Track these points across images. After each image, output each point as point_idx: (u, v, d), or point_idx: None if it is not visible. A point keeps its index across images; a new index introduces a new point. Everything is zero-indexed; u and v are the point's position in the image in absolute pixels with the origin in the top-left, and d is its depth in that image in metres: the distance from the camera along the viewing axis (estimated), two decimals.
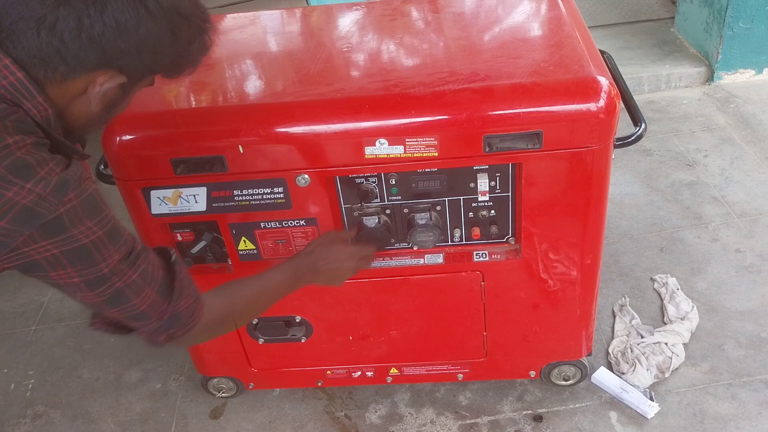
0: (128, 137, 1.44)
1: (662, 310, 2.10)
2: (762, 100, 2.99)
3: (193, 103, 1.52)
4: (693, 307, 2.07)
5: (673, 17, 3.50)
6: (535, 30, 1.62)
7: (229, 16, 1.90)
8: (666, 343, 1.94)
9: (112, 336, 1.18)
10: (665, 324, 2.05)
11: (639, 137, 1.54)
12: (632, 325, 2.04)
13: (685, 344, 1.96)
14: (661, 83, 3.16)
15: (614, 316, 2.09)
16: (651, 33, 3.48)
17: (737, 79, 3.13)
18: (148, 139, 1.45)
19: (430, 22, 1.73)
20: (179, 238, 1.63)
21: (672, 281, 2.17)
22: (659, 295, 2.15)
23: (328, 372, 1.89)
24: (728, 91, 3.10)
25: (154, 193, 1.52)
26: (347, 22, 1.78)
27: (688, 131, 2.88)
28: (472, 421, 1.87)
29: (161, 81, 1.56)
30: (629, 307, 2.11)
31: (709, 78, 3.15)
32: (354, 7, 1.85)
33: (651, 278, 2.22)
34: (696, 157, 2.73)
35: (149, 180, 1.50)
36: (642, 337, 2.00)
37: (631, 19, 3.59)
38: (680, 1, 3.36)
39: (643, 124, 1.55)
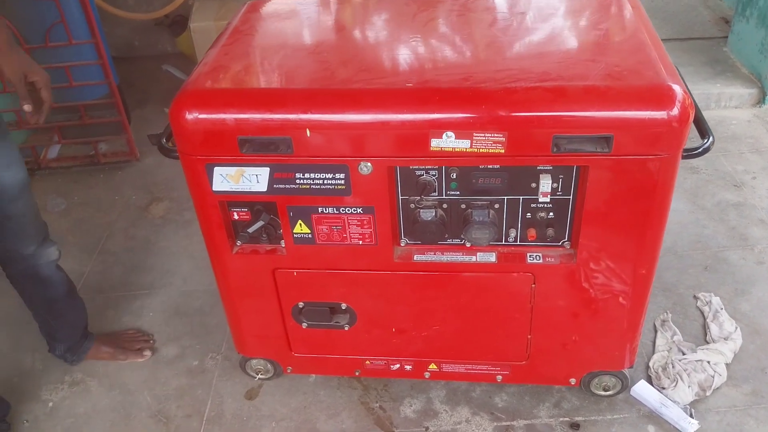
0: (198, 113, 1.46)
1: (705, 328, 2.08)
2: None
3: (264, 83, 1.53)
4: (736, 328, 2.04)
5: (726, 37, 3.46)
6: (607, 34, 1.61)
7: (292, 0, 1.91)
8: (708, 362, 1.92)
9: None
10: (707, 342, 2.02)
11: (706, 150, 1.52)
12: (674, 341, 2.02)
13: (727, 364, 1.94)
14: (711, 102, 3.13)
15: (656, 331, 2.07)
16: (702, 51, 3.44)
17: None
18: (217, 116, 1.46)
19: (497, 20, 1.73)
20: (235, 217, 1.64)
21: (716, 300, 2.14)
22: (702, 313, 2.13)
23: (367, 362, 1.89)
24: None
25: (217, 170, 1.53)
26: (416, 13, 1.78)
27: (737, 152, 2.85)
28: (508, 423, 1.86)
29: (230, 61, 1.61)
30: (671, 323, 2.09)
31: (761, 100, 3.11)
32: (420, 3, 1.86)
33: (694, 296, 2.19)
34: (744, 179, 2.70)
35: (214, 157, 1.51)
36: (683, 353, 1.97)
37: (683, 35, 3.56)
38: (735, 21, 3.32)
39: (711, 137, 1.54)
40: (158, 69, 3.76)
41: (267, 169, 1.52)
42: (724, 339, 2.00)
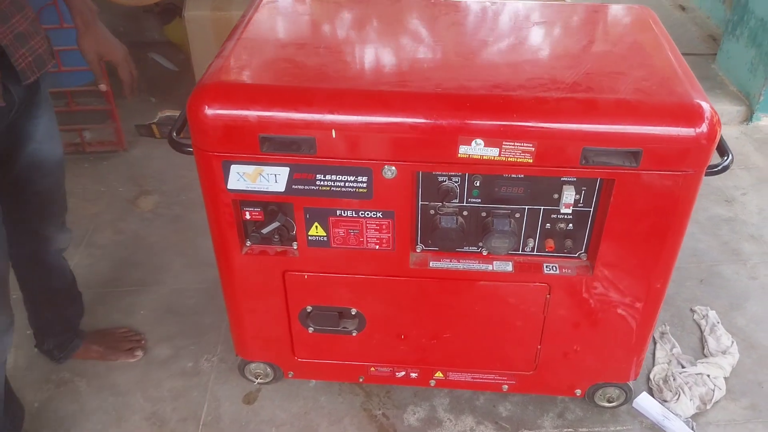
0: (219, 108, 1.41)
1: (702, 341, 2.10)
2: None
3: (288, 80, 1.48)
4: (733, 342, 2.07)
5: (714, 54, 3.53)
6: (633, 48, 1.60)
7: None
8: (708, 375, 1.94)
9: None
10: (705, 356, 2.05)
11: (726, 168, 1.53)
12: (673, 354, 2.04)
13: (726, 378, 1.96)
14: None
15: (655, 343, 2.09)
16: (691, 67, 3.48)
17: None
18: (239, 113, 1.41)
19: (523, 29, 1.72)
20: (247, 217, 1.60)
21: (712, 314, 2.17)
22: (699, 326, 2.16)
23: (372, 369, 1.86)
24: (766, 132, 3.13)
25: (234, 168, 1.48)
26: (443, 16, 1.76)
27: None
28: None
29: (251, 54, 1.56)
30: (670, 335, 2.11)
31: (748, 118, 3.18)
32: (451, 7, 1.83)
33: (691, 309, 2.22)
34: (734, 194, 2.75)
35: (231, 154, 1.46)
36: (683, 366, 1.99)
37: None
38: (725, 39, 3.39)
39: (730, 155, 1.55)
40: (144, 57, 3.67)
41: (287, 169, 1.48)
42: (722, 353, 2.03)
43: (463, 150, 1.40)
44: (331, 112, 1.39)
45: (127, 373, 2.02)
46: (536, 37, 1.67)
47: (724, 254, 2.45)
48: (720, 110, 3.13)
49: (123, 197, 2.75)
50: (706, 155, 1.40)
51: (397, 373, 1.86)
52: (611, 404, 1.88)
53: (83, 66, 2.82)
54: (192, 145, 1.51)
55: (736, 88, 3.29)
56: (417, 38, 1.65)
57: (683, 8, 4.12)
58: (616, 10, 1.80)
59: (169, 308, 2.24)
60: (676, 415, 1.86)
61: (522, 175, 1.47)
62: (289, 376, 1.91)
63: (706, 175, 1.48)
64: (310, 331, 1.77)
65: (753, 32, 3.12)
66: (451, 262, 1.63)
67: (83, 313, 2.01)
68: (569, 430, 1.85)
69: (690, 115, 1.37)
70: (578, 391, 1.85)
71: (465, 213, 1.56)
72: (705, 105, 1.39)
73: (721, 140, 1.58)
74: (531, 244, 1.60)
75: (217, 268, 1.70)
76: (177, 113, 3.10)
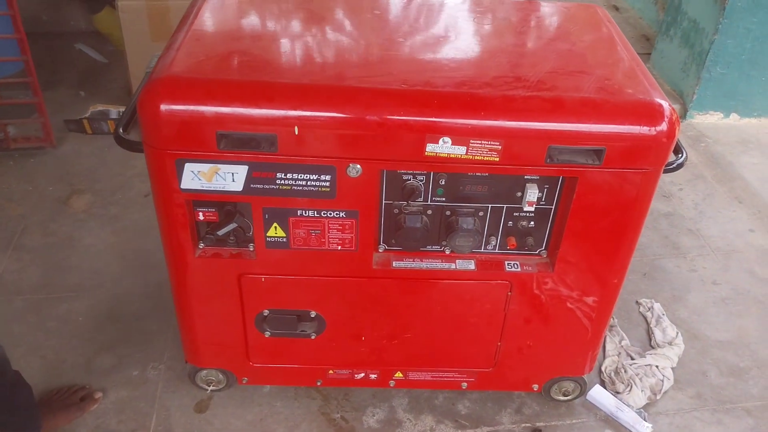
0: (174, 104, 1.33)
1: (648, 333, 2.16)
2: (729, 143, 3.16)
3: (247, 74, 1.41)
4: (678, 333, 2.14)
5: (649, 53, 3.65)
6: (591, 46, 1.62)
7: None
8: (657, 366, 2.00)
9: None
10: (652, 347, 2.11)
11: (680, 165, 1.57)
12: (622, 346, 2.09)
13: (673, 368, 2.02)
14: None
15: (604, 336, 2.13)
16: None
17: (706, 120, 3.30)
18: (195, 108, 1.33)
19: (484, 25, 1.70)
20: (201, 218, 1.52)
21: (657, 306, 2.24)
22: (645, 318, 2.22)
23: (331, 372, 1.81)
24: (699, 130, 3.26)
25: (188, 167, 1.41)
26: (408, 12, 1.72)
27: None
28: (472, 431, 1.84)
29: (205, 46, 1.48)
30: (618, 328, 2.16)
31: (682, 116, 3.30)
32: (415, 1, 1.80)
33: (636, 301, 2.28)
34: (671, 190, 2.85)
35: (186, 152, 1.38)
36: (632, 358, 2.04)
37: None
38: (659, 40, 3.50)
39: (684, 153, 1.59)
40: (70, 48, 3.47)
41: (245, 168, 1.41)
42: (668, 344, 2.09)
43: (431, 148, 1.38)
44: (294, 108, 1.34)
45: (66, 384, 1.90)
46: (497, 34, 1.66)
47: (665, 248, 2.53)
48: None
49: (53, 197, 2.58)
50: (665, 153, 1.43)
51: (356, 375, 1.82)
52: (567, 398, 1.91)
53: (6, 56, 2.67)
54: (143, 142, 1.42)
55: (670, 87, 3.41)
56: (383, 31, 1.62)
57: (617, 8, 4.24)
58: (569, 8, 1.82)
59: (109, 314, 2.12)
60: (629, 406, 1.90)
61: (486, 174, 1.46)
62: (243, 382, 1.84)
63: (663, 173, 1.51)
64: (266, 336, 1.71)
65: (686, 33, 3.24)
66: (414, 261, 1.61)
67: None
68: (527, 424, 1.87)
69: (651, 113, 1.40)
70: (536, 386, 1.87)
71: (429, 212, 1.54)
72: (665, 104, 1.42)
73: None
74: (493, 242, 1.60)
75: (160, 271, 1.62)
76: (110, 108, 2.95)
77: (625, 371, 1.98)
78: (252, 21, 1.62)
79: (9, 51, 2.62)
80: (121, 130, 1.50)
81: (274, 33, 1.56)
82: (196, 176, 1.42)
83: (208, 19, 1.60)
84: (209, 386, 1.87)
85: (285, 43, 1.52)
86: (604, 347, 2.10)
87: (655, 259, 2.47)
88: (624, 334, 2.13)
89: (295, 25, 1.60)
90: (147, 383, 1.92)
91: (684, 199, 2.79)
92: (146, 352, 2.00)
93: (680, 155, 1.59)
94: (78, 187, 2.64)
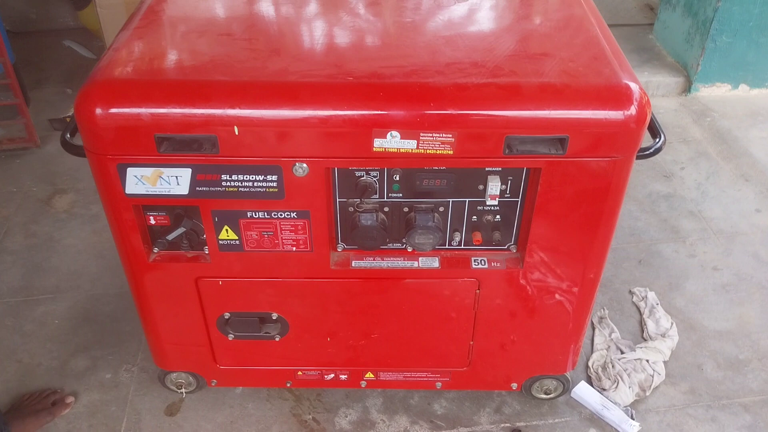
0: (108, 108, 1.27)
1: (641, 324, 2.07)
2: (737, 116, 3.00)
3: (185, 73, 1.34)
4: (672, 324, 2.04)
5: (652, 24, 3.49)
6: (559, 26, 1.51)
7: None
8: (647, 360, 1.90)
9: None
10: (644, 339, 2.01)
11: (658, 150, 1.46)
12: (612, 339, 2.00)
13: (665, 362, 1.93)
14: None
15: (593, 329, 2.04)
16: (628, 38, 3.45)
17: (713, 93, 3.14)
18: (131, 111, 1.27)
19: (445, 7, 1.61)
20: (152, 222, 1.47)
21: (651, 295, 2.13)
22: (638, 308, 2.12)
23: (300, 373, 1.76)
24: (704, 104, 3.11)
25: (131, 171, 1.35)
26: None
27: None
28: (448, 431, 1.78)
29: (146, 46, 1.41)
30: (609, 320, 2.06)
31: (687, 89, 3.15)
32: None
33: (630, 291, 2.18)
34: (673, 169, 2.72)
35: (127, 156, 1.33)
36: (622, 352, 1.95)
37: (609, 22, 3.53)
38: (661, 9, 3.34)
39: (662, 136, 1.48)
40: (58, 45, 3.44)
41: (188, 171, 1.35)
42: (662, 336, 1.99)
43: (378, 143, 1.30)
44: (232, 107, 1.26)
45: (40, 388, 1.88)
46: (458, 16, 1.56)
47: (663, 232, 2.41)
48: (658, 82, 3.11)
49: (36, 197, 2.56)
50: (635, 139, 1.32)
51: (325, 376, 1.76)
52: (549, 396, 1.83)
53: None
54: (84, 148, 1.37)
55: (674, 59, 3.25)
56: (328, 22, 1.53)
57: None
58: None
59: (86, 316, 2.09)
60: (615, 403, 1.81)
61: (444, 167, 1.38)
62: (213, 384, 1.80)
63: (637, 159, 1.41)
64: (230, 339, 1.66)
65: (689, 1, 3.08)
66: (374, 260, 1.53)
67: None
68: (506, 424, 1.79)
69: (618, 97, 1.29)
70: (514, 385, 1.79)
71: (386, 209, 1.46)
72: (633, 86, 1.31)
73: (653, 120, 1.51)
74: (458, 238, 1.52)
75: None
76: None
77: (612, 366, 1.89)
78: (198, 18, 1.54)
79: None
80: (68, 136, 1.46)
81: (218, 28, 1.49)
82: (139, 181, 1.37)
83: (153, 16, 1.53)
84: (179, 389, 1.83)
85: (228, 39, 1.44)
86: (592, 341, 2.01)
87: (652, 244, 2.36)
88: (614, 327, 2.03)
89: (242, 19, 1.53)
90: (119, 386, 1.89)
91: (686, 178, 2.66)
92: (120, 354, 1.97)
93: (657, 139, 1.49)
94: (61, 187, 2.61)
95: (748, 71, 3.07)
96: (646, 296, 2.13)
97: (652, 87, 3.15)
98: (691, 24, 3.07)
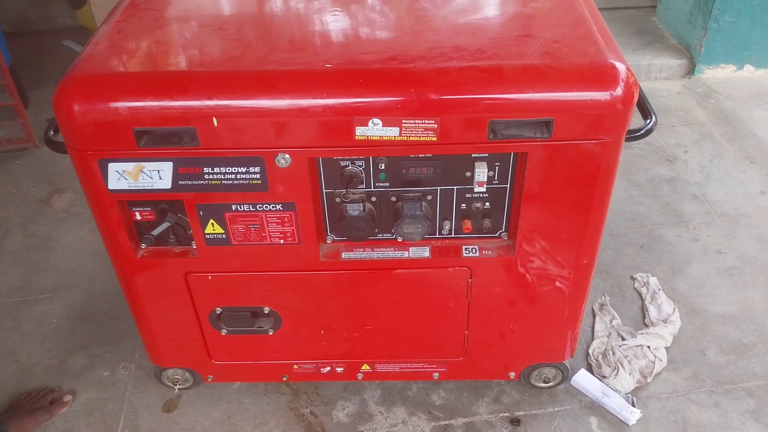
0: (85, 103, 1.26)
1: (643, 310, 2.03)
2: (742, 97, 2.95)
3: (162, 65, 1.33)
4: (674, 309, 2.00)
5: (654, 6, 3.43)
6: (546, 7, 1.48)
7: None
8: (648, 347, 1.87)
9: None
10: (646, 325, 1.98)
11: (649, 131, 1.43)
12: (613, 326, 1.97)
13: (667, 348, 1.89)
14: (641, 74, 3.09)
15: (594, 315, 2.01)
16: (631, 21, 3.40)
17: (718, 74, 3.08)
18: (107, 105, 1.25)
19: None
20: (138, 217, 1.46)
21: (653, 281, 2.10)
22: (640, 294, 2.08)
23: (295, 366, 1.75)
24: (708, 85, 3.05)
25: (112, 166, 1.34)
26: None
27: (668, 125, 2.82)
28: (446, 422, 1.76)
29: (125, 39, 1.40)
30: (609, 307, 2.03)
31: (690, 71, 3.09)
32: None
33: (631, 276, 2.14)
34: (676, 152, 2.67)
35: (107, 151, 1.32)
36: (623, 338, 1.92)
37: (612, 5, 3.50)
38: None
39: (653, 117, 1.45)
40: (57, 45, 3.44)
41: (170, 164, 1.34)
42: (663, 321, 1.96)
43: (360, 131, 1.27)
44: (210, 98, 1.25)
45: (39, 387, 1.88)
46: (438, 0, 1.53)
47: (665, 216, 2.37)
48: (661, 65, 3.06)
49: (35, 197, 2.57)
50: (623, 120, 1.29)
51: (321, 369, 1.75)
52: (548, 384, 1.80)
53: None
54: (65, 144, 1.36)
55: (677, 41, 3.20)
56: (306, 10, 1.50)
57: None
58: None
59: (83, 315, 2.09)
60: (616, 391, 1.78)
61: (429, 155, 1.35)
62: (209, 379, 1.79)
63: (627, 140, 1.37)
64: (223, 334, 1.65)
65: None
66: (364, 251, 1.51)
67: None
68: (505, 414, 1.77)
69: (603, 77, 1.26)
70: (512, 374, 1.77)
71: (373, 198, 1.44)
72: (619, 65, 1.27)
73: (644, 100, 1.48)
74: (448, 227, 1.49)
75: None
76: None
77: (613, 353, 1.86)
78: (179, 10, 1.53)
79: None
80: (51, 133, 1.45)
81: (199, 21, 1.47)
82: (121, 176, 1.36)
83: (134, 9, 1.52)
84: (176, 385, 1.82)
85: (207, 29, 1.42)
86: (593, 328, 1.98)
87: (654, 229, 2.32)
88: (615, 313, 2.00)
89: (221, 8, 1.51)
90: (117, 384, 1.88)
91: (689, 161, 2.61)
92: (117, 351, 1.97)
93: (648, 120, 1.45)
94: (59, 186, 2.61)
95: (753, 51, 3.01)
96: (647, 282, 2.10)
97: (655, 70, 3.10)
98: (694, 4, 3.01)
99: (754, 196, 2.43)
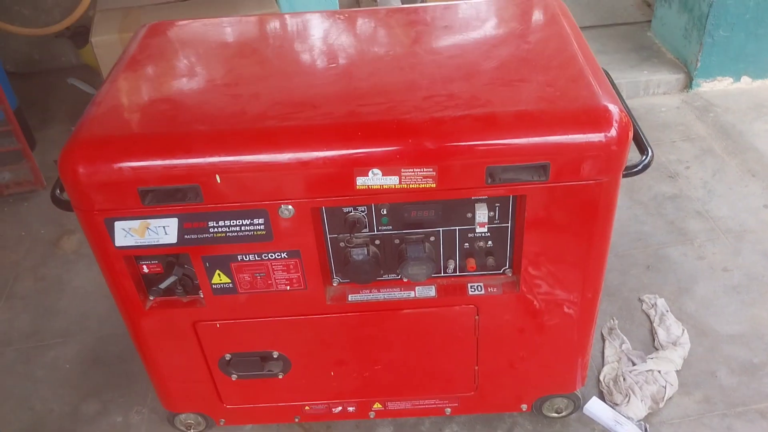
0: (90, 165, 1.28)
1: (652, 333, 2.03)
2: (740, 110, 2.95)
3: (165, 125, 1.35)
4: (683, 330, 2.00)
5: (650, 21, 3.44)
6: (536, 49, 1.50)
7: (198, 22, 1.73)
8: (659, 371, 1.87)
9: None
10: (656, 349, 1.98)
11: (646, 166, 1.44)
12: (623, 350, 1.97)
13: (677, 371, 1.90)
14: (640, 89, 3.10)
15: (603, 340, 2.01)
16: (627, 37, 3.41)
17: (715, 87, 3.09)
18: (112, 167, 1.28)
19: (418, 37, 1.60)
20: (145, 270, 1.48)
21: (661, 302, 2.10)
22: (648, 317, 2.09)
23: (307, 407, 1.76)
24: (707, 99, 3.06)
25: (118, 225, 1.36)
26: (328, 34, 1.63)
27: (669, 141, 2.83)
28: None
29: (126, 98, 1.43)
30: (618, 331, 2.03)
31: (688, 85, 3.10)
32: (335, 17, 1.71)
33: (639, 298, 2.15)
34: (677, 169, 2.68)
35: (113, 210, 1.34)
36: (633, 363, 1.92)
37: (607, 21, 3.52)
38: (657, 6, 3.30)
39: (650, 152, 1.46)
40: (63, 83, 3.48)
41: (175, 220, 1.36)
42: (672, 344, 1.96)
43: (361, 181, 1.30)
44: (212, 156, 1.27)
45: None
46: (433, 47, 1.55)
47: (670, 235, 2.38)
48: (658, 80, 3.08)
49: (45, 240, 2.60)
50: (618, 160, 1.30)
51: (333, 409, 1.76)
52: (560, 415, 1.81)
53: None
54: (71, 204, 1.38)
55: (673, 56, 3.21)
56: (305, 61, 1.53)
57: None
58: (520, 4, 1.70)
59: (95, 359, 2.11)
60: (628, 418, 1.79)
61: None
62: (221, 423, 1.81)
63: (625, 177, 1.39)
64: (233, 379, 1.66)
65: None
66: (370, 293, 1.53)
67: None
68: None
69: (597, 119, 1.28)
70: (524, 406, 1.77)
71: (377, 242, 1.46)
72: (612, 107, 1.29)
73: (639, 135, 1.50)
74: (452, 266, 1.51)
75: None
76: None
77: (624, 380, 1.86)
78: (179, 65, 1.55)
79: None
80: (57, 192, 1.48)
81: (199, 76, 1.49)
82: (128, 233, 1.38)
83: (134, 67, 1.54)
84: (189, 429, 1.84)
85: (208, 86, 1.45)
86: (603, 353, 1.98)
87: (659, 248, 2.32)
88: (624, 337, 2.01)
89: (221, 65, 1.53)
90: (130, 429, 1.90)
91: (691, 177, 2.62)
92: (130, 395, 1.99)
93: (645, 155, 1.47)
94: (68, 228, 2.64)
95: (749, 63, 3.02)
96: (655, 303, 2.10)
97: (653, 85, 3.11)
98: (688, 19, 3.03)
99: (757, 210, 2.44)
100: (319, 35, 1.64)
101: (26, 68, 3.69)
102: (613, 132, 1.26)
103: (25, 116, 3.06)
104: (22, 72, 3.66)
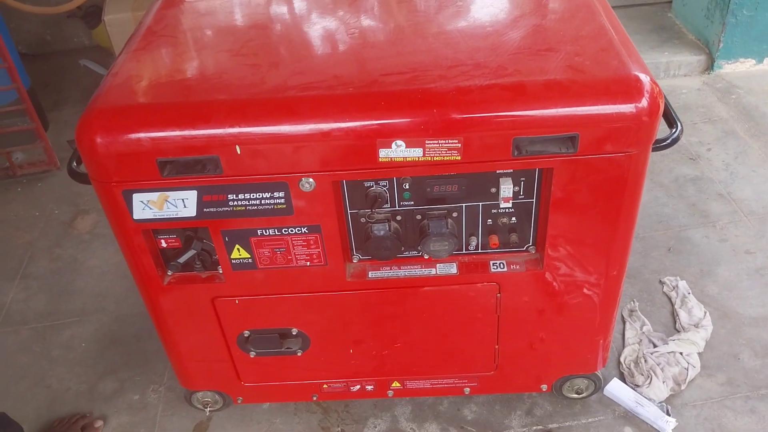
0: (108, 136, 1.26)
1: (673, 315, 2.00)
2: (764, 91, 2.90)
3: (183, 95, 1.33)
4: (705, 313, 1.97)
5: (671, 1, 3.38)
6: (564, 17, 1.46)
7: None
8: (681, 353, 1.84)
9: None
10: (677, 331, 1.95)
11: (676, 140, 1.40)
12: (643, 332, 1.94)
13: (699, 353, 1.86)
14: (660, 71, 3.05)
15: (624, 322, 1.98)
16: (648, 18, 3.35)
17: (737, 69, 3.03)
18: (130, 137, 1.26)
19: (442, 7, 1.57)
20: (164, 245, 1.46)
21: (682, 284, 2.07)
22: (669, 299, 2.05)
23: (325, 386, 1.74)
24: (728, 81, 3.00)
25: (136, 197, 1.34)
26: (349, 4, 1.60)
27: (690, 123, 2.78)
28: None
29: (144, 69, 1.41)
30: (639, 312, 2.00)
31: (709, 67, 3.05)
32: None
33: (660, 281, 2.11)
34: (699, 151, 2.63)
35: (131, 182, 1.32)
36: (654, 345, 1.89)
37: (627, 2, 3.46)
38: None
39: (679, 125, 1.42)
40: (75, 64, 3.47)
41: (194, 192, 1.34)
42: (695, 326, 1.93)
43: (384, 153, 1.27)
44: (232, 126, 1.25)
45: (69, 413, 1.89)
46: (458, 15, 1.52)
47: (692, 217, 2.34)
48: (679, 61, 3.02)
49: (59, 220, 2.59)
50: (649, 132, 1.27)
51: (351, 388, 1.74)
52: (581, 396, 1.78)
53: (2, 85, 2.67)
54: (89, 176, 1.37)
55: (695, 37, 3.15)
56: (326, 31, 1.50)
57: None
58: None
59: (112, 338, 2.10)
60: (650, 399, 1.76)
61: (454, 172, 1.34)
62: (239, 401, 1.79)
63: (653, 151, 1.35)
64: (252, 356, 1.65)
65: None
66: (391, 270, 1.51)
67: None
68: (539, 427, 1.75)
69: (627, 90, 1.24)
70: (544, 386, 1.75)
71: (399, 218, 1.43)
72: (644, 77, 1.25)
73: (669, 109, 1.46)
74: (474, 243, 1.48)
75: None
76: None
77: (645, 361, 1.83)
78: (196, 35, 1.53)
79: (2, 80, 2.62)
80: (74, 164, 1.47)
81: (217, 46, 1.47)
82: (146, 206, 1.36)
83: (151, 37, 1.52)
84: (206, 407, 1.83)
85: (227, 56, 1.42)
86: (623, 335, 1.95)
87: (681, 230, 2.29)
88: (645, 319, 1.97)
89: (240, 34, 1.51)
90: (147, 407, 1.89)
91: (713, 160, 2.57)
92: (147, 374, 1.98)
93: (674, 128, 1.43)
94: (83, 208, 2.63)
95: None
96: (677, 285, 2.07)
97: (674, 67, 3.05)
98: (710, 0, 2.96)
99: None
100: (341, 5, 1.60)
101: (39, 49, 3.67)
102: (644, 102, 1.23)
103: (38, 97, 3.05)
104: (35, 53, 3.64)
